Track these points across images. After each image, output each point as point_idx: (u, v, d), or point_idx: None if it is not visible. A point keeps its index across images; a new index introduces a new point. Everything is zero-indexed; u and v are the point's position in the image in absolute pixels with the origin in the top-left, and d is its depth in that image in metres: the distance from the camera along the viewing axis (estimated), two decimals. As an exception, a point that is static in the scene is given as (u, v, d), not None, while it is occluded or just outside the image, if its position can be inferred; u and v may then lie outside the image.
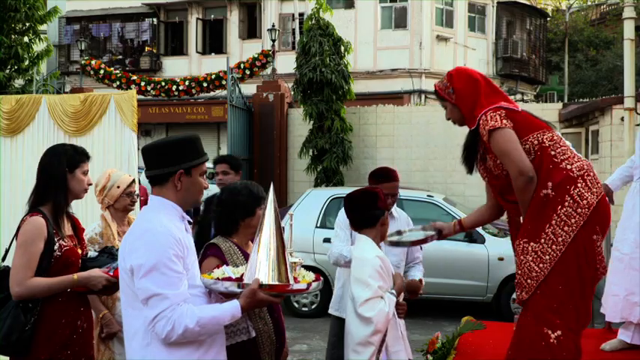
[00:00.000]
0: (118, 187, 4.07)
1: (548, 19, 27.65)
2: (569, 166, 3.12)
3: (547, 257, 3.03)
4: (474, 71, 3.43)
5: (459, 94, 3.33)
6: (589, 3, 30.73)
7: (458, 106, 3.34)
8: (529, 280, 3.06)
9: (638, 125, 10.24)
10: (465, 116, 3.33)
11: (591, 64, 24.42)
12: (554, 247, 3.03)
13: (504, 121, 3.13)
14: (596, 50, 25.10)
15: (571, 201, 3.05)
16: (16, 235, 3.20)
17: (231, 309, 2.52)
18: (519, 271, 3.12)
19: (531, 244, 3.07)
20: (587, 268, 3.07)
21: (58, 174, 3.23)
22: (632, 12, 10.34)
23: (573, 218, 3.04)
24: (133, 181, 4.17)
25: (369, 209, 3.51)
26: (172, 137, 2.76)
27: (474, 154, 3.35)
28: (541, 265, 3.04)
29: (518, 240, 3.14)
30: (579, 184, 3.09)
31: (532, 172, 3.07)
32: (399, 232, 3.91)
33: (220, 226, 3.22)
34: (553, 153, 3.14)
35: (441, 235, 3.75)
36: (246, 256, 3.01)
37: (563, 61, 24.76)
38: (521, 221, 3.22)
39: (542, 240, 3.05)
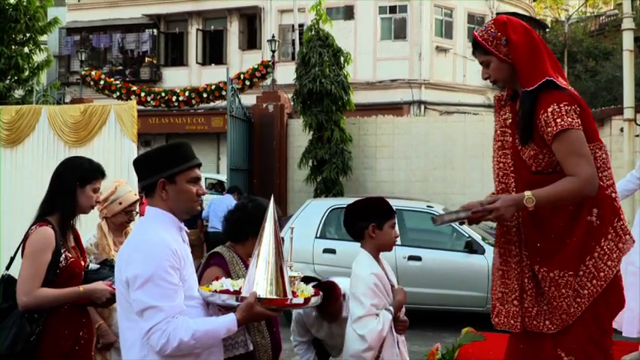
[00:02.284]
0: (120, 203, 4.03)
1: (548, 30, 27.74)
2: (613, 194, 2.81)
3: (585, 292, 2.74)
4: (526, 24, 2.90)
5: (517, 47, 2.79)
6: (588, 14, 30.85)
7: (514, 61, 2.81)
8: (564, 316, 2.75)
9: (637, 136, 10.26)
10: (520, 75, 2.81)
11: (590, 74, 24.46)
12: (594, 281, 2.74)
13: (578, 121, 2.71)
14: (595, 61, 25.14)
15: (614, 234, 2.77)
16: (22, 244, 3.20)
17: (227, 322, 2.50)
18: (553, 303, 2.76)
19: (573, 277, 2.74)
20: (613, 303, 2.84)
21: (69, 186, 3.24)
22: (631, 23, 10.39)
23: (615, 253, 2.76)
24: (137, 201, 4.13)
25: (353, 222, 3.50)
26: (158, 146, 2.76)
27: (532, 122, 2.79)
28: (578, 299, 2.74)
29: (558, 270, 2.74)
30: (622, 216, 2.82)
31: (596, 179, 2.72)
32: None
33: (229, 236, 3.27)
34: (601, 175, 2.79)
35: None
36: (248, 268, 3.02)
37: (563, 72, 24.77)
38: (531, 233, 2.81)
39: (582, 273, 2.74)
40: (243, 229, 3.22)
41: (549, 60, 2.85)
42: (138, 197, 4.19)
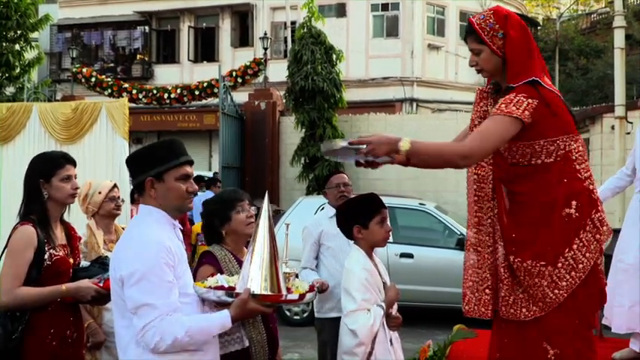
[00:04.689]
0: (100, 192, 4.05)
1: (539, 27, 27.82)
2: (591, 186, 2.83)
3: (564, 284, 2.76)
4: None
5: (512, 43, 2.80)
6: (579, 12, 30.94)
7: (507, 56, 2.81)
8: (540, 304, 2.79)
9: (628, 134, 10.30)
10: (510, 71, 2.82)
11: (582, 72, 24.54)
12: (573, 273, 2.76)
13: (526, 113, 2.71)
14: (586, 59, 25.23)
15: (592, 226, 2.79)
16: (6, 243, 3.18)
17: (221, 319, 2.50)
18: (529, 292, 2.81)
19: (548, 267, 2.76)
20: (594, 296, 2.87)
21: (33, 185, 3.22)
22: (622, 21, 10.43)
23: (593, 245, 2.79)
24: (115, 185, 4.15)
25: (341, 224, 3.57)
26: (148, 144, 2.76)
27: None
28: (556, 291, 2.77)
29: (531, 260, 2.79)
30: (599, 208, 2.83)
31: (473, 163, 2.77)
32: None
33: (207, 238, 3.26)
34: (578, 167, 2.83)
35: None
36: (241, 264, 3.01)
37: (554, 70, 24.90)
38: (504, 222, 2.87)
39: (560, 264, 2.77)
40: (212, 231, 3.24)
41: (538, 60, 2.88)
42: (114, 182, 4.20)
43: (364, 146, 2.64)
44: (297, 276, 3.03)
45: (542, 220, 2.81)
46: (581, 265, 2.77)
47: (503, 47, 2.82)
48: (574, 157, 2.83)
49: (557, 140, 2.80)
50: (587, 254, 2.78)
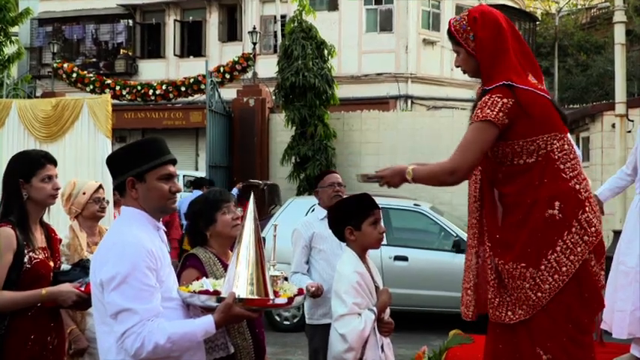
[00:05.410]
0: (84, 193, 4.04)
1: (538, 22, 27.93)
2: (577, 186, 2.86)
3: (547, 286, 2.80)
4: (502, 17, 2.99)
5: (481, 44, 2.93)
6: (579, 7, 31.10)
7: (476, 57, 2.96)
8: (524, 306, 2.84)
9: (629, 132, 10.35)
10: (482, 73, 2.96)
11: (582, 69, 24.68)
12: (556, 276, 2.80)
13: (500, 115, 2.81)
14: (586, 55, 25.37)
15: (578, 227, 2.81)
16: None
17: (205, 324, 2.49)
18: (514, 295, 2.86)
19: (530, 269, 2.81)
20: (589, 300, 2.88)
21: (12, 185, 3.21)
22: (622, 16, 10.48)
23: (579, 247, 2.81)
24: (100, 186, 4.14)
25: (333, 226, 3.57)
26: (130, 143, 2.75)
27: None
28: (539, 294, 2.81)
29: (512, 262, 2.85)
30: (587, 208, 2.85)
31: (462, 176, 2.92)
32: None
33: (191, 240, 3.25)
34: (562, 167, 2.86)
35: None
36: (226, 268, 3.00)
37: (553, 66, 25.00)
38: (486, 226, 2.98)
39: (543, 267, 2.80)
40: (195, 233, 3.23)
41: (518, 58, 2.94)
42: (99, 183, 4.19)
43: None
44: (286, 279, 3.02)
45: (525, 221, 2.86)
46: (564, 268, 2.80)
47: (475, 49, 2.95)
48: (556, 157, 2.87)
49: (536, 140, 2.86)
50: (572, 257, 2.80)
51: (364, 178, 3.15)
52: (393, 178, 3.03)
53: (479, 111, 2.85)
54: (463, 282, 3.13)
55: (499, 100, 2.82)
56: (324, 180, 4.73)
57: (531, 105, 2.85)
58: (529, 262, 2.82)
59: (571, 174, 2.87)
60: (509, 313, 2.89)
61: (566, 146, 2.90)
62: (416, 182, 3.04)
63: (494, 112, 2.81)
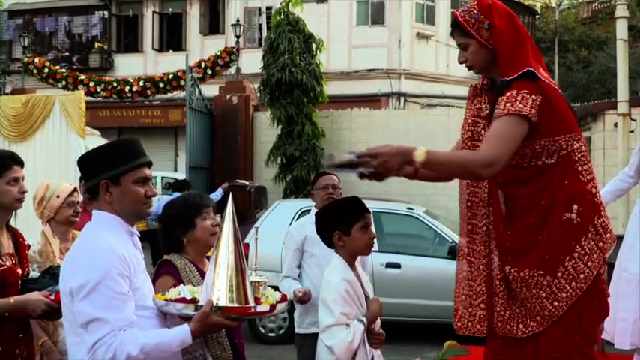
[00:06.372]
0: (58, 196, 4.01)
1: (537, 17, 28.07)
2: (594, 190, 2.85)
3: (564, 295, 2.76)
4: (511, 10, 2.96)
5: (500, 34, 2.85)
6: (580, 0, 31.29)
7: (495, 48, 2.86)
8: (538, 317, 2.80)
9: (632, 132, 10.42)
10: (501, 63, 2.86)
11: (583, 65, 24.81)
12: (573, 284, 2.76)
13: (532, 112, 2.73)
14: (587, 51, 25.51)
15: (594, 232, 2.80)
16: None
17: (181, 334, 2.49)
18: (526, 305, 2.82)
19: (547, 277, 2.77)
20: (596, 309, 2.88)
21: None
22: (624, 11, 10.55)
23: (595, 253, 2.79)
24: (75, 190, 4.12)
25: (320, 231, 3.55)
26: (104, 144, 2.74)
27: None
28: (555, 303, 2.77)
29: (528, 270, 2.79)
30: (602, 213, 2.84)
31: (496, 171, 2.75)
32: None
33: (165, 246, 3.22)
34: (580, 169, 2.84)
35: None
36: (203, 275, 2.98)
37: (553, 62, 25.14)
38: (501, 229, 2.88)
39: (560, 274, 2.77)
40: (171, 238, 3.19)
41: (532, 50, 2.91)
42: (74, 186, 4.16)
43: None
44: (276, 288, 3.01)
45: (541, 225, 2.81)
46: (582, 275, 2.77)
47: (491, 38, 2.86)
48: (576, 158, 2.85)
49: (559, 140, 2.81)
50: (589, 263, 2.78)
51: (335, 162, 2.82)
52: (392, 159, 2.67)
53: (509, 104, 2.74)
54: (469, 295, 2.99)
55: (528, 96, 2.75)
56: (318, 182, 4.76)
57: (556, 100, 2.82)
58: (546, 269, 2.78)
59: (588, 177, 2.86)
60: (521, 325, 2.84)
61: (583, 148, 2.89)
62: (427, 168, 2.70)
63: (528, 108, 2.73)
